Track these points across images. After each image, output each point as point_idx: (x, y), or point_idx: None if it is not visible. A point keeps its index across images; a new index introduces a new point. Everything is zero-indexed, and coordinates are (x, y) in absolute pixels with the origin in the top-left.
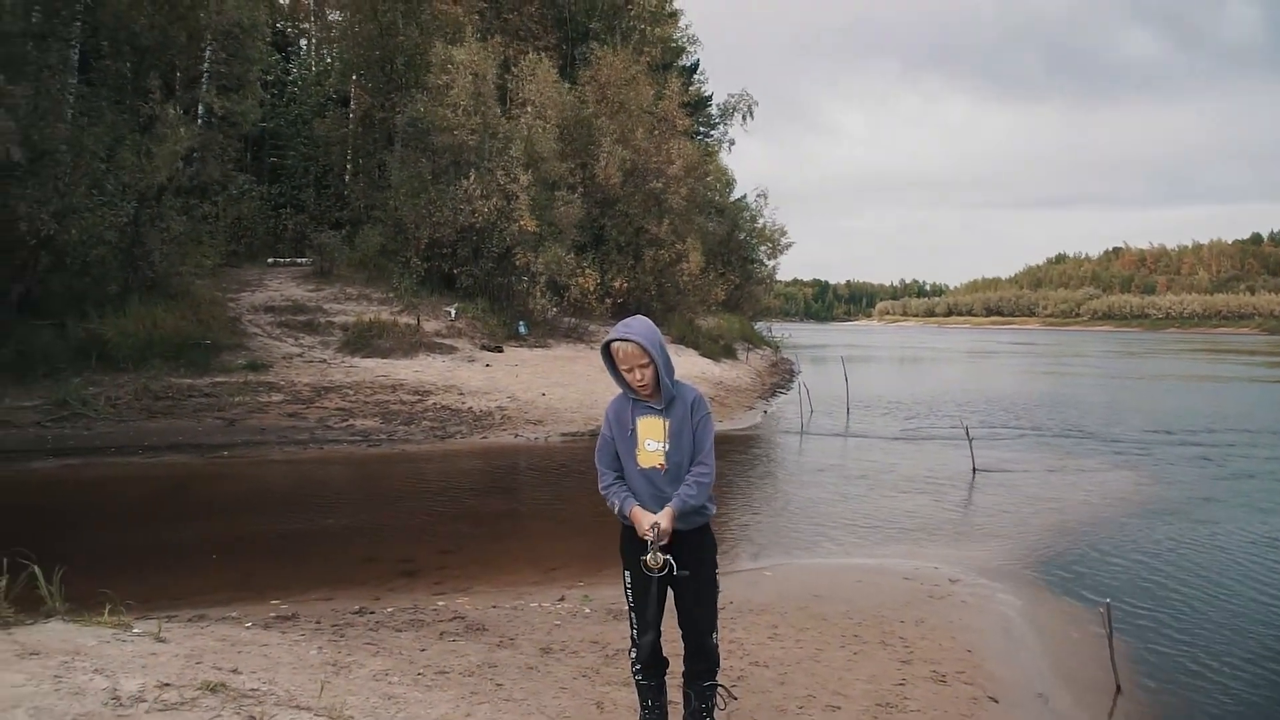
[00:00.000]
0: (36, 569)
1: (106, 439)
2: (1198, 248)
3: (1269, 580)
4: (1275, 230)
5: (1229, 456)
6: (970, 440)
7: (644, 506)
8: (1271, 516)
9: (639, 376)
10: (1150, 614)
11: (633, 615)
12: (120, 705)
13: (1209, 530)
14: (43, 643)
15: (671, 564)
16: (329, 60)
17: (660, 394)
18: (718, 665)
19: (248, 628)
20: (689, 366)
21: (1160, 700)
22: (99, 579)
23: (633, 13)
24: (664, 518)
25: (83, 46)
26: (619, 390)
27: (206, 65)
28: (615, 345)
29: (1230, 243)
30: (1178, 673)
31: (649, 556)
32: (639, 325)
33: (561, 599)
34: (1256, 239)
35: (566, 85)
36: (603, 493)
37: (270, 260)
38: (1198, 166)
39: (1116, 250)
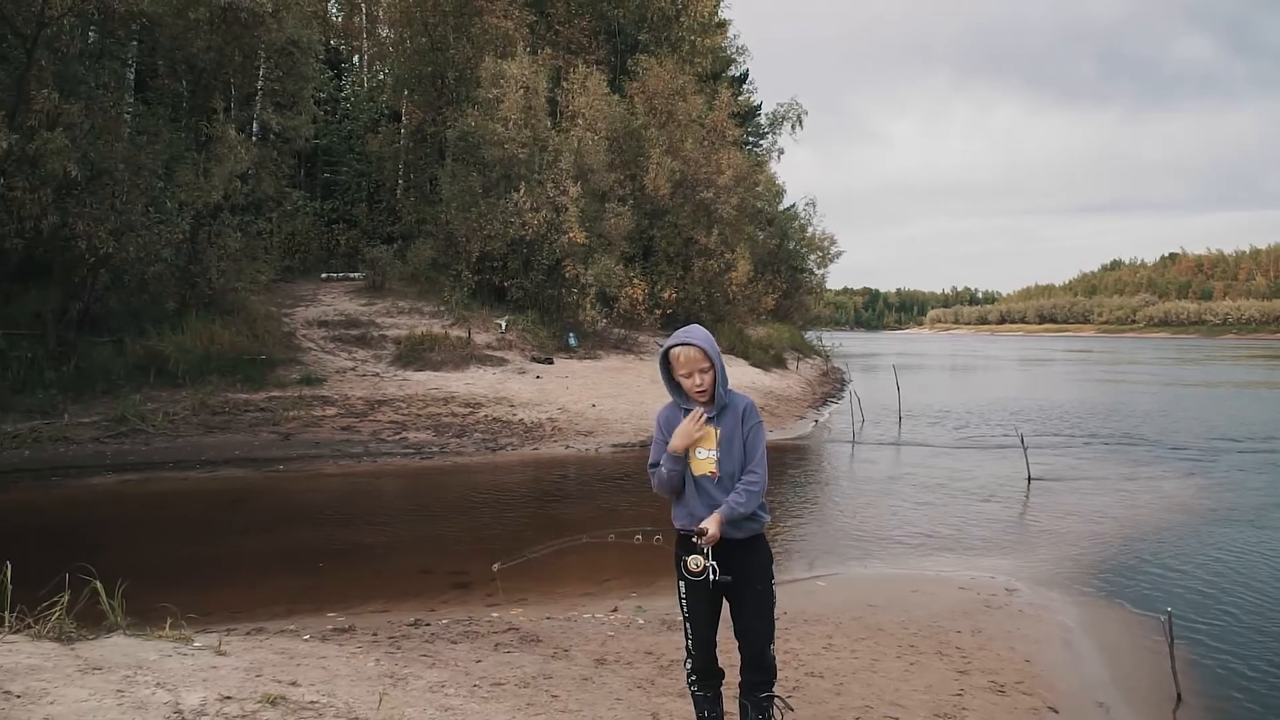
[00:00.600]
0: (98, 584)
1: (164, 454)
2: (1255, 253)
3: None
4: None
5: None
6: (1025, 449)
7: (695, 515)
8: None
9: (699, 381)
10: (1211, 623)
11: (687, 626)
12: (183, 718)
13: (1272, 537)
14: (105, 657)
15: (713, 569)
16: (381, 76)
17: (714, 402)
18: (774, 676)
19: (306, 640)
20: (739, 376)
21: (1221, 709)
22: (159, 593)
23: (683, 24)
24: (711, 523)
25: (139, 66)
26: (669, 400)
27: (261, 83)
28: (676, 350)
29: None
30: (1239, 681)
31: (690, 559)
32: (699, 332)
33: (615, 610)
34: None
35: (615, 97)
36: (651, 478)
37: (324, 275)
38: (1255, 171)
39: (1173, 256)
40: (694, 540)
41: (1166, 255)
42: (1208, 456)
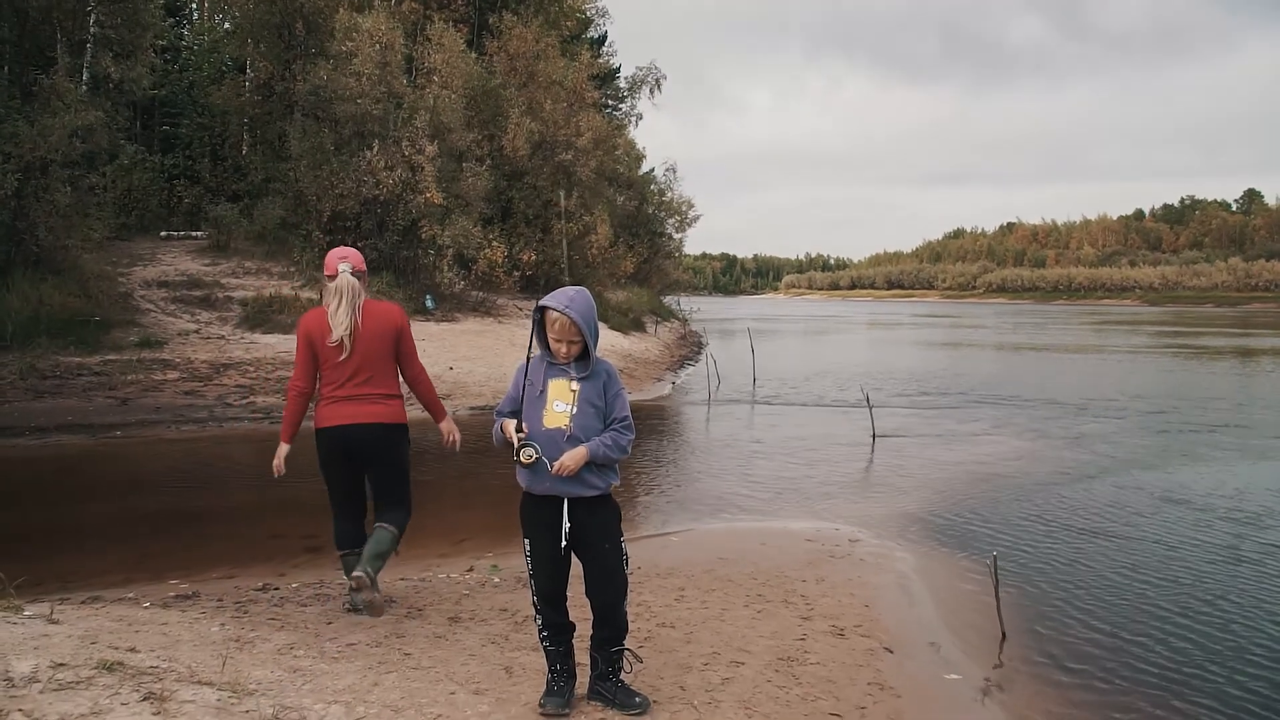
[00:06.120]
0: None
1: None
2: (1085, 223)
3: (1145, 529)
4: (1155, 207)
5: (1116, 422)
6: (870, 408)
7: (538, 472)
8: (1150, 472)
9: (565, 350)
10: (1035, 565)
11: (532, 583)
12: (13, 686)
13: (1093, 488)
14: None
15: (538, 456)
16: (224, 25)
17: (587, 362)
18: (625, 632)
19: (146, 607)
20: (599, 339)
21: (1042, 644)
22: None
23: None
24: (571, 457)
25: None
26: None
27: (94, 30)
28: (553, 315)
29: (1115, 218)
30: (1058, 618)
31: (522, 451)
32: (581, 302)
33: (470, 569)
34: (1139, 215)
35: (473, 55)
36: (494, 426)
37: (163, 234)
38: (1085, 146)
39: (1010, 225)
40: (511, 440)
41: (1005, 224)
42: (1039, 415)
